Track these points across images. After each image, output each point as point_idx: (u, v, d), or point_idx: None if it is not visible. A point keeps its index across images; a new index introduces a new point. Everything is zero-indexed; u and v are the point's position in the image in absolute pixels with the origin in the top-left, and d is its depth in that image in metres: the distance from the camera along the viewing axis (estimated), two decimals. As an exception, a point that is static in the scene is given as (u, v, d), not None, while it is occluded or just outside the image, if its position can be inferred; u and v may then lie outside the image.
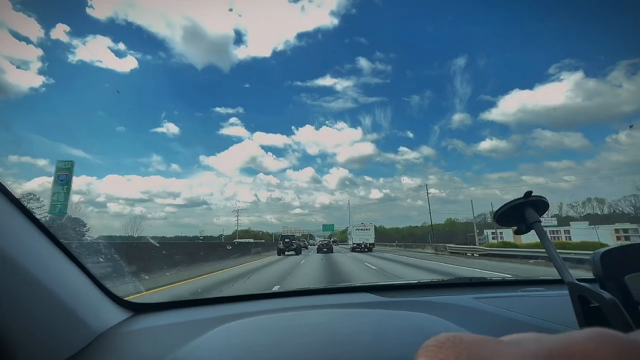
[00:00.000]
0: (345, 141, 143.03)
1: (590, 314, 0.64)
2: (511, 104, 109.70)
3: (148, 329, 0.96)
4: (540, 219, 0.85)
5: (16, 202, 0.70)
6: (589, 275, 0.82)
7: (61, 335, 0.73)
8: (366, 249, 30.57)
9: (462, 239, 45.12)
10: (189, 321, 1.03)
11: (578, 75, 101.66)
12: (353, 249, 31.26)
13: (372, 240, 31.73)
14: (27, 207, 0.73)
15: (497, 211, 0.88)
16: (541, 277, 1.64)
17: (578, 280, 0.69)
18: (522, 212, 0.84)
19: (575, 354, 0.16)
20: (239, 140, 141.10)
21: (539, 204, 0.84)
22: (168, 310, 1.18)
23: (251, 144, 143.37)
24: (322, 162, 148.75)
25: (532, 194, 0.83)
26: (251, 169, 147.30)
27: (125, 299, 1.07)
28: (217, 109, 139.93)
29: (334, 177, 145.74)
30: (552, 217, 44.78)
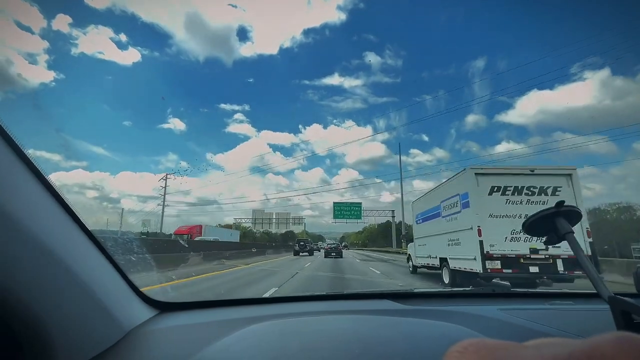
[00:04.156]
0: (355, 141, 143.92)
1: (633, 330, 0.60)
2: (529, 105, 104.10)
3: (175, 328, 0.97)
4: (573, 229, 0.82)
5: (56, 196, 0.70)
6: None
7: (94, 330, 0.73)
8: (557, 275, 6.45)
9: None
10: (215, 321, 1.04)
11: (604, 73, 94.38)
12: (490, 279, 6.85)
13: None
14: (67, 200, 0.72)
15: (526, 220, 0.87)
16: (569, 290, 1.61)
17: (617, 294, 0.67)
18: (553, 222, 0.82)
19: (595, 358, 0.15)
20: (245, 138, 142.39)
21: (571, 215, 0.82)
22: (193, 309, 1.19)
23: (259, 142, 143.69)
24: (331, 162, 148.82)
25: (565, 204, 0.82)
26: (260, 169, 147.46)
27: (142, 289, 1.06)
28: (223, 105, 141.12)
29: (343, 177, 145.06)
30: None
